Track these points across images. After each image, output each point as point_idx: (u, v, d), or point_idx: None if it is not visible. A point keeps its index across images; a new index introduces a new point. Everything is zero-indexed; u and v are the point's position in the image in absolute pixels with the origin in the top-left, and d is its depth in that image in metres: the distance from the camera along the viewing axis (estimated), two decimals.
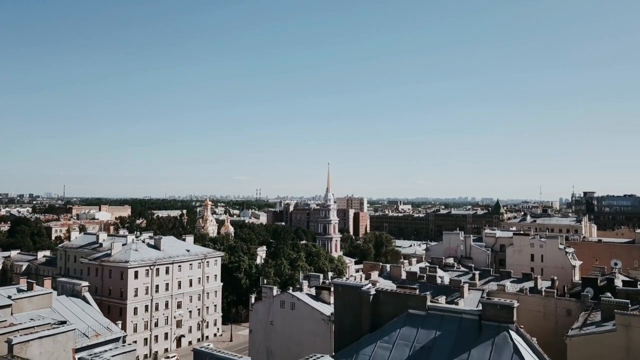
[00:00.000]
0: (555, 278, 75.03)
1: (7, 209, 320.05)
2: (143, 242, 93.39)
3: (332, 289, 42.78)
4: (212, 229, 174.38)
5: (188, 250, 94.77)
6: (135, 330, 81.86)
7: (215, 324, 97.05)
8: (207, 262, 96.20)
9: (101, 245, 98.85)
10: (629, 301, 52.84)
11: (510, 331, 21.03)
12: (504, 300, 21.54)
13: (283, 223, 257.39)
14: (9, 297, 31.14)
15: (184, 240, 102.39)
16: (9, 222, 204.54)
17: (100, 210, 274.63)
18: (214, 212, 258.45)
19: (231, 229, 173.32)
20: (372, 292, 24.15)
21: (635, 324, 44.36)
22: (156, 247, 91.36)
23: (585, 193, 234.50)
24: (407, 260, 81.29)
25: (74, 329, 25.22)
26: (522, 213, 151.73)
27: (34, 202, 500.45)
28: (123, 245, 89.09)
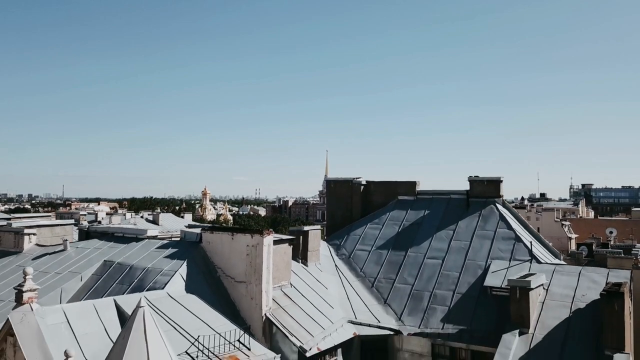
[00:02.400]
0: (551, 244, 75.21)
1: (6, 206, 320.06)
2: (141, 217, 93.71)
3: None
4: (210, 218, 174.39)
5: (187, 226, 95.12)
6: None
7: None
8: None
9: (100, 222, 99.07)
10: (621, 250, 53.48)
11: (497, 204, 21.58)
12: (491, 177, 22.05)
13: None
14: (9, 219, 31.62)
15: (182, 217, 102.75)
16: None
17: (99, 205, 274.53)
18: (213, 207, 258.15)
19: (230, 217, 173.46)
20: (363, 182, 24.70)
21: (627, 265, 44.86)
22: (154, 222, 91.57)
23: (583, 185, 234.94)
24: None
25: (72, 224, 25.79)
26: (520, 198, 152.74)
27: (33, 201, 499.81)
28: (122, 220, 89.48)
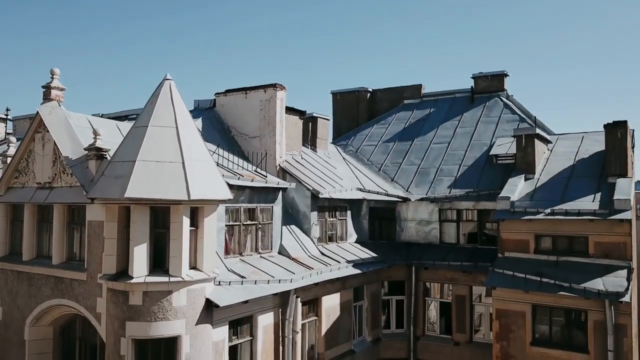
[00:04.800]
0: None
1: None
2: None
3: None
4: None
5: None
6: None
7: None
8: None
9: None
10: None
11: (501, 97, 22.04)
12: (494, 71, 22.48)
13: None
14: None
15: None
16: None
17: None
18: None
19: None
20: (370, 89, 25.18)
21: None
22: None
23: None
24: None
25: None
26: None
27: None
28: None
